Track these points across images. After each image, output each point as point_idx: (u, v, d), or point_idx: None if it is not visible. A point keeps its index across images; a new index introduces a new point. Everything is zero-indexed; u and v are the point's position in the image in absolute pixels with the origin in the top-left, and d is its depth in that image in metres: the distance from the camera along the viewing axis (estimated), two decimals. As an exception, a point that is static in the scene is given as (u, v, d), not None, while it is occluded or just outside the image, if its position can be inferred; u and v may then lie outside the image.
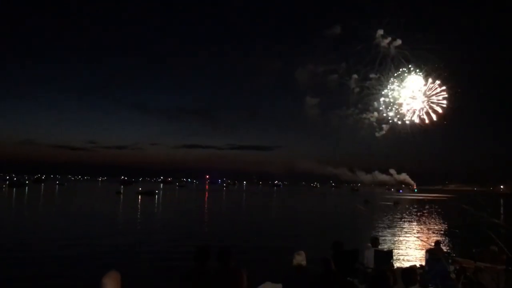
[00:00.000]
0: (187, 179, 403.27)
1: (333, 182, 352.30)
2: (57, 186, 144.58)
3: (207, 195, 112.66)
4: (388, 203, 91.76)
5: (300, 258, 6.82)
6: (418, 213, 60.52)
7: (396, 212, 60.40)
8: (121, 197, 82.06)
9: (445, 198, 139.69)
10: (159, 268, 17.39)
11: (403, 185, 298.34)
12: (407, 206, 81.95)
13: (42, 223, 34.29)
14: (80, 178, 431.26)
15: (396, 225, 40.04)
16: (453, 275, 8.97)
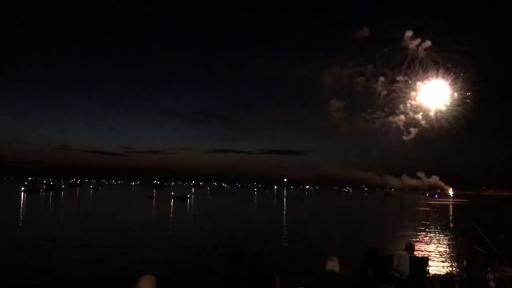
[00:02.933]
0: (218, 183, 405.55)
1: (365, 187, 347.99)
2: (91, 190, 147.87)
3: (238, 199, 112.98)
4: (426, 208, 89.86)
5: (333, 264, 6.75)
6: (455, 219, 58.98)
7: (432, 218, 59.05)
8: (154, 201, 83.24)
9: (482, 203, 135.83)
10: (193, 273, 17.53)
11: (438, 190, 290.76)
12: (443, 211, 79.97)
13: (77, 226, 35.04)
14: (114, 182, 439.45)
15: (431, 231, 39.14)
16: (492, 284, 8.68)
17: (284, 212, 68.54)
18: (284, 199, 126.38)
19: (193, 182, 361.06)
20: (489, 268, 8.98)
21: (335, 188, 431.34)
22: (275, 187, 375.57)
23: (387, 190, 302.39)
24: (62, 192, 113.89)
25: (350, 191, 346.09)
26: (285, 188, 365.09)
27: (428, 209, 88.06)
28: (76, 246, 23.99)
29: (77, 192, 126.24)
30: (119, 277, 15.99)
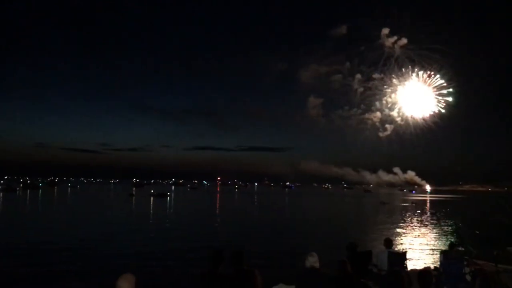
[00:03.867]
0: (198, 181, 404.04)
1: (345, 183, 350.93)
2: (69, 188, 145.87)
3: (218, 197, 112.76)
4: (405, 204, 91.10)
5: (313, 260, 6.77)
6: (433, 214, 59.96)
7: (410, 213, 59.94)
8: (133, 199, 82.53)
9: (459, 199, 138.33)
10: (173, 271, 17.45)
11: (416, 186, 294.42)
12: (420, 207, 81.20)
13: (54, 225, 34.56)
14: (92, 180, 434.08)
15: (410, 226, 39.75)
16: (468, 277, 8.86)
17: (264, 208, 68.68)
18: (264, 196, 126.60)
19: (173, 179, 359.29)
20: (465, 262, 9.17)
21: (315, 184, 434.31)
22: (256, 184, 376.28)
23: (366, 186, 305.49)
24: (40, 191, 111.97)
25: (330, 187, 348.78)
26: (265, 184, 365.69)
27: (407, 204, 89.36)
28: (53, 245, 23.62)
29: (55, 190, 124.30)
30: (98, 276, 15.82)
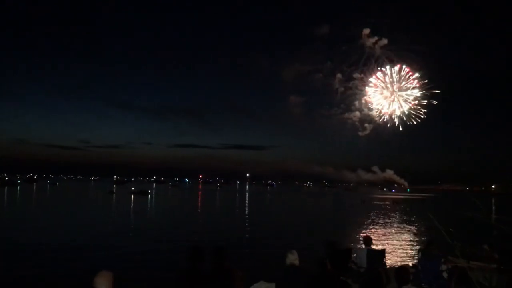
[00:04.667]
0: (180, 179, 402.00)
1: (326, 182, 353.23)
2: (48, 185, 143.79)
3: (200, 194, 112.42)
4: (386, 202, 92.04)
5: (292, 257, 6.82)
6: (411, 212, 60.74)
7: (390, 212, 60.62)
8: (114, 196, 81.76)
9: (437, 197, 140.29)
10: (152, 268, 17.34)
11: (395, 185, 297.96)
12: (400, 205, 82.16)
13: (32, 223, 34.01)
14: (72, 177, 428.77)
15: (389, 225, 40.20)
16: (445, 274, 9.00)
17: (246, 206, 68.74)
18: (246, 194, 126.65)
19: (154, 177, 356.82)
20: (442, 260, 9.31)
21: (297, 183, 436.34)
22: (238, 182, 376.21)
23: (347, 184, 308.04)
24: (18, 188, 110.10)
25: (311, 185, 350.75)
26: (247, 183, 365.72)
27: (387, 203, 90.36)
28: (30, 243, 23.31)
29: (34, 187, 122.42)
30: (75, 274, 15.62)
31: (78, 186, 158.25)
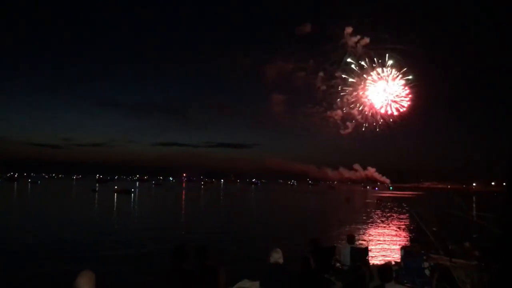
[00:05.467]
0: (163, 177, 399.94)
1: (310, 180, 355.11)
2: (29, 184, 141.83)
3: (184, 193, 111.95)
4: (370, 200, 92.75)
5: (277, 256, 6.83)
6: (394, 211, 61.33)
7: (373, 210, 61.12)
8: (97, 195, 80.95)
9: (418, 195, 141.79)
10: (135, 268, 17.23)
11: (378, 183, 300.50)
12: (383, 203, 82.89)
13: (12, 222, 33.56)
14: (54, 176, 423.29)
15: (372, 222, 40.53)
16: (427, 272, 9.11)
17: (229, 205, 68.67)
18: (230, 192, 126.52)
19: (138, 175, 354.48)
20: (424, 257, 9.42)
21: (281, 181, 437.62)
22: (222, 180, 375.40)
23: (330, 182, 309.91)
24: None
25: (295, 184, 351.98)
26: (231, 181, 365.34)
27: (370, 201, 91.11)
28: (10, 243, 22.99)
29: (15, 186, 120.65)
30: (57, 275, 15.45)
31: (60, 184, 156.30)
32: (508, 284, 1.84)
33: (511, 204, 1.78)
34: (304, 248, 9.70)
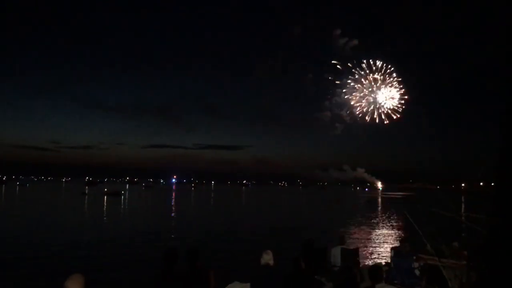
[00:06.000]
0: (154, 179, 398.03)
1: (300, 181, 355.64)
2: (18, 187, 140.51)
3: (174, 195, 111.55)
4: (360, 201, 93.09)
5: (267, 257, 6.84)
6: (384, 211, 61.65)
7: (363, 210, 61.39)
8: (86, 198, 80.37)
9: (408, 196, 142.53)
10: (126, 271, 17.12)
11: (368, 184, 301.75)
12: (373, 204, 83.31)
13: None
14: (43, 178, 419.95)
15: (363, 223, 40.68)
16: (417, 272, 9.17)
17: (220, 207, 68.57)
18: (221, 194, 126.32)
19: (128, 178, 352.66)
20: (414, 257, 9.48)
21: (272, 182, 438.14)
22: (213, 182, 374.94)
23: (321, 184, 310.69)
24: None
25: (286, 185, 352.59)
26: (222, 183, 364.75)
27: (360, 201, 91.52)
28: None
29: (3, 189, 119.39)
30: (46, 277, 15.30)
31: (49, 187, 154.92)
32: (496, 283, 1.85)
33: (498, 204, 1.79)
34: (294, 249, 9.72)
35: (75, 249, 22.50)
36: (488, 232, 1.96)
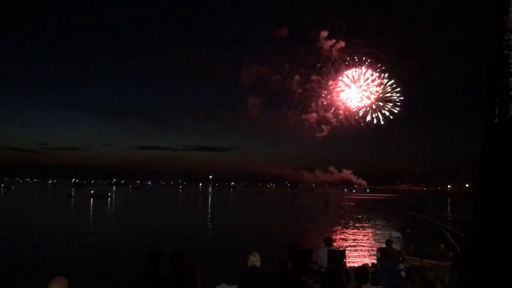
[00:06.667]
0: (141, 181, 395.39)
1: (288, 183, 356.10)
2: (2, 189, 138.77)
3: (161, 197, 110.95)
4: (348, 203, 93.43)
5: (254, 259, 6.83)
6: (370, 213, 61.96)
7: (350, 212, 61.66)
8: (72, 200, 79.60)
9: (396, 198, 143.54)
10: (111, 273, 16.97)
11: (355, 185, 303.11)
12: (360, 205, 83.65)
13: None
14: (29, 181, 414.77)
15: (349, 225, 40.85)
16: (403, 273, 9.23)
17: (208, 209, 68.42)
18: (209, 196, 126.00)
19: (114, 180, 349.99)
20: (400, 259, 9.54)
21: (259, 184, 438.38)
22: (200, 184, 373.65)
23: (309, 185, 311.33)
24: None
25: (274, 187, 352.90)
26: (210, 185, 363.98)
27: (347, 203, 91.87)
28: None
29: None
30: (29, 280, 15.12)
31: (35, 189, 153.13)
32: (479, 285, 1.87)
33: (480, 206, 1.81)
34: (281, 251, 9.73)
35: (59, 251, 22.27)
36: (471, 233, 1.97)
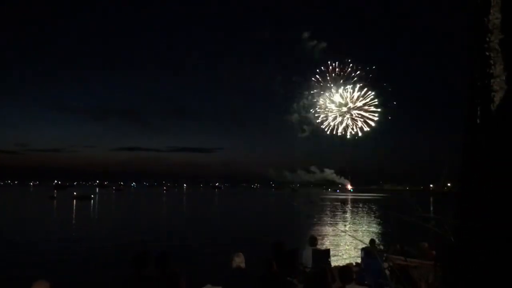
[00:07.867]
0: (125, 182, 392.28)
1: (273, 183, 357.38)
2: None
3: (145, 198, 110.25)
4: (334, 203, 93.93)
5: (239, 260, 6.83)
6: (355, 212, 62.42)
7: (334, 211, 62.03)
8: (55, 202, 78.60)
9: (380, 197, 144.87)
10: (94, 276, 16.81)
11: (340, 185, 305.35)
12: (344, 205, 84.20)
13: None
14: (10, 182, 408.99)
15: (334, 224, 41.09)
16: (387, 272, 9.30)
17: (192, 210, 68.17)
18: (193, 197, 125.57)
19: (97, 181, 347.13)
20: (384, 258, 9.62)
21: (244, 184, 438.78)
22: (185, 185, 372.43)
23: (293, 185, 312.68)
24: None
25: (259, 187, 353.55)
26: (194, 185, 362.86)
27: (331, 203, 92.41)
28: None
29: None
30: (10, 284, 14.88)
31: (16, 191, 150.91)
32: (462, 283, 1.88)
33: (462, 205, 1.83)
34: (266, 251, 9.73)
35: (41, 254, 21.95)
36: (453, 232, 1.99)
